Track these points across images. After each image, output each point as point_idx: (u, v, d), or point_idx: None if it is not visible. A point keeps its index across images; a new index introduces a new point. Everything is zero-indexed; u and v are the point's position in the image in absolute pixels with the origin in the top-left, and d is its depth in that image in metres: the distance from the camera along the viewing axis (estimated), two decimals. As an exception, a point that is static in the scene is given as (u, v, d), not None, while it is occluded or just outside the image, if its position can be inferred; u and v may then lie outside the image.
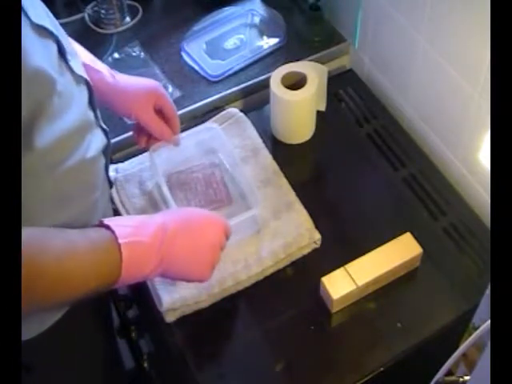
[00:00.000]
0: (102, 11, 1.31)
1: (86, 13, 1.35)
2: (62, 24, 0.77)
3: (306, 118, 1.15)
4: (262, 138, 1.14)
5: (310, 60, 1.23)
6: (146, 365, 1.32)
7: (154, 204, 1.06)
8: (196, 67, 1.25)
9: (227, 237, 0.87)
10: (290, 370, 0.91)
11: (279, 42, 1.29)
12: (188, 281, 0.86)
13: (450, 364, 0.72)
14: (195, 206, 1.05)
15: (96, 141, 0.80)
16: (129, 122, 1.14)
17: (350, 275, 0.94)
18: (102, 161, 0.84)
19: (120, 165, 1.10)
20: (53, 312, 0.83)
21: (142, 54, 1.28)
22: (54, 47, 0.71)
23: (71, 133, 0.73)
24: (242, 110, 1.18)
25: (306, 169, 1.18)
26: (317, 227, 1.02)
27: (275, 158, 1.11)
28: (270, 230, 1.02)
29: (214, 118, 1.17)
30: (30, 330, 0.81)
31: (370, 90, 1.26)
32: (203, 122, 1.14)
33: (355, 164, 1.14)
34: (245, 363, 0.93)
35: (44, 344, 0.83)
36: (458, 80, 0.99)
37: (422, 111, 1.15)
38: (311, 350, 0.93)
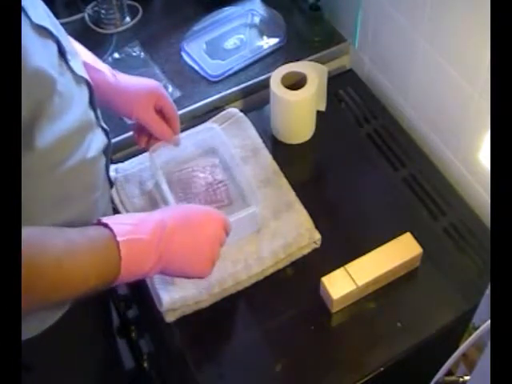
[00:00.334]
0: (102, 11, 1.31)
1: (86, 13, 1.35)
2: (61, 24, 0.77)
3: (305, 118, 1.15)
4: (262, 137, 1.14)
5: (310, 60, 1.23)
6: (145, 365, 1.32)
7: (154, 204, 1.06)
8: (196, 67, 1.25)
9: (227, 233, 0.87)
10: (290, 370, 0.91)
11: (279, 42, 1.29)
12: (188, 277, 0.86)
13: (450, 364, 0.72)
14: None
15: (97, 141, 0.80)
16: (129, 122, 1.14)
17: (350, 275, 0.94)
18: (103, 161, 0.84)
19: (120, 165, 1.10)
20: (53, 311, 0.83)
21: (142, 54, 1.28)
22: (54, 47, 0.71)
23: (72, 133, 0.73)
24: (242, 110, 1.18)
25: (306, 169, 1.18)
26: (317, 227, 1.02)
27: (275, 158, 1.11)
28: (270, 229, 1.02)
29: (214, 118, 1.17)
30: (30, 329, 0.81)
31: (370, 90, 1.26)
32: (203, 121, 1.14)
33: (355, 164, 1.14)
34: (245, 363, 0.93)
35: (44, 343, 0.83)
36: (458, 80, 0.99)
37: (421, 111, 1.15)
38: (311, 350, 0.93)
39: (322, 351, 0.92)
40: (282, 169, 1.10)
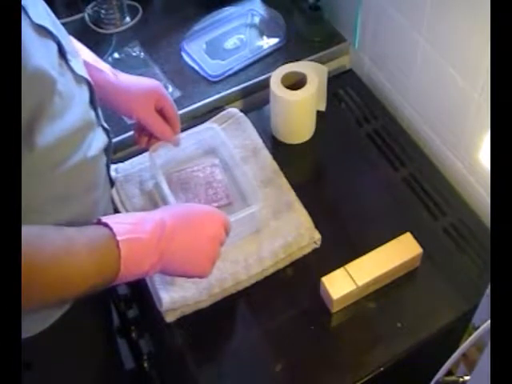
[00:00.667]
0: (102, 11, 1.31)
1: (86, 13, 1.35)
2: (61, 24, 0.77)
3: (305, 118, 1.15)
4: (262, 137, 1.14)
5: (310, 60, 1.23)
6: (146, 365, 1.32)
7: (153, 204, 1.06)
8: (196, 67, 1.25)
9: (227, 232, 0.86)
10: (290, 370, 0.91)
11: (279, 42, 1.29)
12: (188, 276, 0.85)
13: (450, 364, 0.72)
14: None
15: (97, 140, 0.80)
16: (129, 122, 1.14)
17: (350, 275, 0.94)
18: (104, 160, 0.84)
19: (120, 165, 1.10)
20: (53, 310, 0.83)
21: (142, 54, 1.28)
22: (55, 47, 0.71)
23: (72, 132, 0.73)
24: (242, 110, 1.18)
25: (306, 169, 1.18)
26: (317, 227, 1.02)
27: (275, 158, 1.11)
28: (270, 229, 1.02)
29: (213, 118, 1.17)
30: (31, 328, 0.81)
31: (370, 90, 1.26)
32: (203, 122, 1.14)
33: (355, 164, 1.14)
34: (245, 363, 0.93)
35: (44, 343, 0.83)
36: (458, 80, 0.99)
37: (421, 111, 1.15)
38: (311, 350, 0.92)
39: (322, 351, 0.92)
40: (282, 169, 1.10)
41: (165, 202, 1.03)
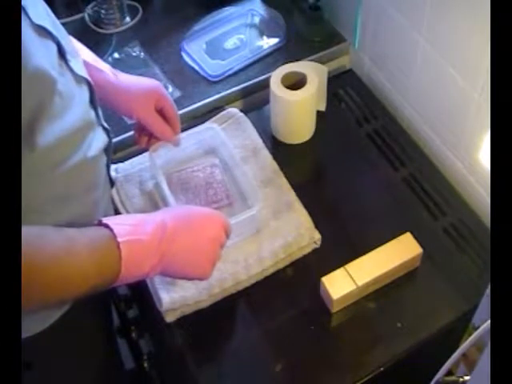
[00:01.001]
0: (102, 11, 1.31)
1: (86, 13, 1.35)
2: (61, 24, 0.77)
3: (305, 118, 1.15)
4: (262, 137, 1.14)
5: (310, 60, 1.23)
6: (146, 365, 1.32)
7: (154, 204, 1.06)
8: (196, 67, 1.25)
9: (227, 234, 0.87)
10: (290, 370, 0.91)
11: (279, 42, 1.29)
12: (189, 279, 0.86)
13: (450, 364, 0.72)
14: (195, 205, 1.05)
15: (97, 140, 0.80)
16: (129, 122, 1.14)
17: (350, 275, 0.94)
18: (104, 160, 0.84)
19: (120, 165, 1.10)
20: (53, 310, 0.83)
21: (142, 54, 1.28)
22: (54, 47, 0.71)
23: (72, 132, 0.73)
24: (242, 110, 1.18)
25: (306, 169, 1.18)
26: (317, 227, 1.02)
27: (275, 158, 1.11)
28: (270, 229, 1.02)
29: (213, 118, 1.17)
30: (31, 328, 0.81)
31: (370, 90, 1.26)
32: (203, 122, 1.14)
33: (355, 164, 1.14)
34: (245, 363, 0.93)
35: (44, 342, 0.83)
36: (458, 80, 0.99)
37: (421, 111, 1.15)
38: (311, 350, 0.92)
39: (322, 351, 0.92)
40: (282, 169, 1.10)
41: (165, 202, 1.03)
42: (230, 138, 1.12)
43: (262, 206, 1.01)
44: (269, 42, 1.29)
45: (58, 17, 0.77)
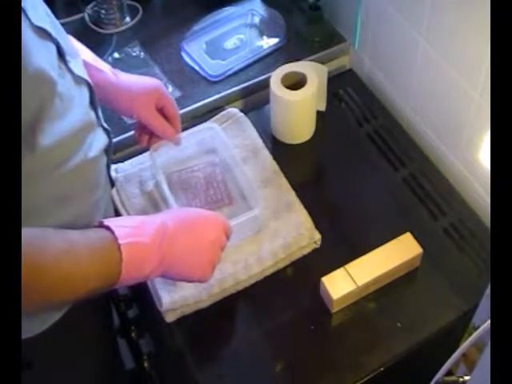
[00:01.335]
0: (102, 11, 1.31)
1: (86, 13, 1.35)
2: (61, 24, 0.77)
3: (306, 118, 1.15)
4: (262, 137, 1.14)
5: (310, 60, 1.23)
6: (146, 365, 1.32)
7: (154, 204, 1.06)
8: (196, 67, 1.25)
9: (228, 236, 0.87)
10: (290, 370, 0.91)
11: (279, 42, 1.29)
12: (189, 281, 0.86)
13: (450, 364, 0.72)
14: (196, 205, 1.05)
15: (98, 140, 0.80)
16: (129, 122, 1.14)
17: (350, 275, 0.94)
18: (104, 160, 0.84)
19: (120, 165, 1.10)
20: (53, 311, 0.83)
21: (142, 53, 1.28)
22: (54, 49, 0.71)
23: (73, 133, 0.73)
24: (242, 110, 1.18)
25: (306, 169, 1.18)
26: (317, 227, 1.02)
27: (275, 158, 1.11)
28: (270, 230, 1.02)
29: (214, 118, 1.17)
30: (31, 328, 0.81)
31: (370, 90, 1.26)
32: (203, 121, 1.14)
33: (355, 164, 1.14)
34: (245, 363, 0.93)
35: (45, 342, 0.83)
36: (458, 80, 0.99)
37: (421, 111, 1.15)
38: (311, 350, 0.93)
39: (322, 351, 0.92)
40: (282, 169, 1.10)
41: (165, 201, 1.03)
42: (230, 137, 1.12)
43: (261, 206, 1.01)
44: (269, 42, 1.29)
45: (58, 17, 0.77)
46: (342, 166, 1.14)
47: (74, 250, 0.69)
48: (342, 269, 0.94)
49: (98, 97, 0.82)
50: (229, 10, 1.35)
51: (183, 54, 1.27)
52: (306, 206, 1.04)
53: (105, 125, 0.84)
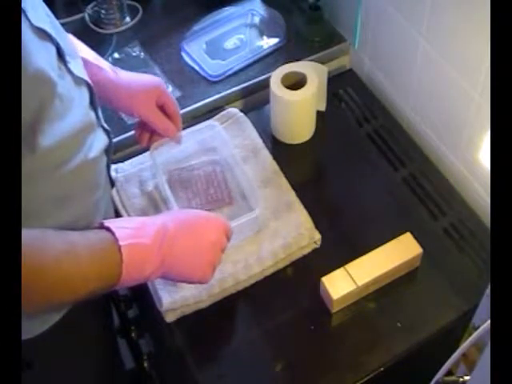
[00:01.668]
0: (102, 11, 1.31)
1: (86, 13, 1.35)
2: (61, 24, 0.77)
3: (306, 118, 1.15)
4: (262, 137, 1.14)
5: (310, 60, 1.23)
6: (146, 365, 1.32)
7: (154, 204, 1.06)
8: (196, 67, 1.25)
9: (228, 238, 0.87)
10: (290, 370, 0.91)
11: (279, 42, 1.29)
12: (189, 282, 0.86)
13: (450, 364, 0.72)
14: (196, 204, 1.05)
15: (98, 141, 0.80)
16: (129, 122, 1.14)
17: (350, 275, 0.94)
18: (104, 160, 0.84)
19: (120, 165, 1.10)
20: (53, 312, 0.83)
21: (142, 53, 1.28)
22: (54, 49, 0.71)
23: (73, 134, 0.73)
24: (242, 110, 1.18)
25: (306, 169, 1.18)
26: (317, 227, 1.02)
27: (275, 158, 1.11)
28: (270, 230, 1.02)
29: (214, 118, 1.17)
30: (31, 329, 0.81)
31: (370, 90, 1.26)
32: (203, 122, 1.14)
33: (355, 164, 1.14)
34: (245, 363, 0.93)
35: (45, 342, 0.83)
36: (458, 80, 0.99)
37: (421, 111, 1.15)
38: (311, 350, 0.93)
39: (322, 351, 0.92)
40: (282, 169, 1.10)
41: (165, 201, 1.03)
42: (230, 137, 1.12)
43: (261, 206, 1.00)
44: (269, 42, 1.29)
45: (58, 17, 0.77)
46: (342, 166, 1.14)
47: (74, 251, 0.69)
48: (342, 269, 0.94)
49: (98, 95, 0.82)
50: (229, 10, 1.35)
51: (183, 54, 1.27)
52: (306, 206, 1.04)
53: (105, 125, 0.84)
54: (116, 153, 1.12)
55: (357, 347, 0.93)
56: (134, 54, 1.28)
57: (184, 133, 1.05)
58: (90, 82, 0.80)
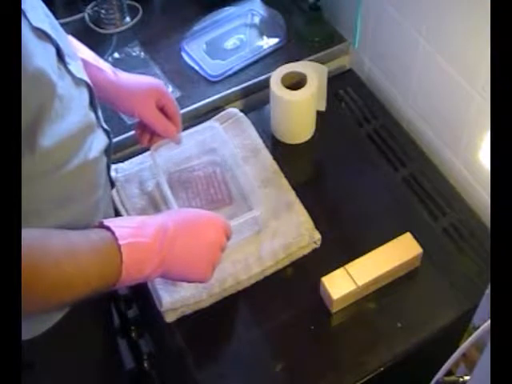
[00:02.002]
0: (102, 11, 1.31)
1: (86, 13, 1.35)
2: (61, 24, 0.77)
3: (306, 118, 1.15)
4: (261, 137, 1.14)
5: (310, 60, 1.23)
6: (146, 365, 1.32)
7: (154, 204, 1.06)
8: (196, 67, 1.25)
9: (228, 237, 0.87)
10: (290, 370, 0.91)
11: (279, 42, 1.29)
12: (189, 282, 0.86)
13: (450, 364, 0.72)
14: (196, 205, 1.05)
15: (98, 141, 0.80)
16: (129, 123, 1.14)
17: (350, 275, 0.94)
18: (104, 161, 0.84)
19: (120, 165, 1.10)
20: (53, 312, 0.83)
21: (142, 53, 1.28)
22: (53, 50, 0.71)
23: (73, 134, 0.73)
24: (242, 110, 1.18)
25: (306, 169, 1.18)
26: (317, 227, 1.02)
27: (275, 158, 1.11)
28: (270, 230, 1.02)
29: (214, 118, 1.17)
30: (32, 329, 0.81)
31: (370, 90, 1.26)
32: (203, 122, 1.14)
33: (355, 164, 1.14)
34: (245, 363, 0.93)
35: (45, 342, 0.83)
36: (458, 80, 0.99)
37: (421, 111, 1.15)
38: (311, 350, 0.92)
39: (322, 351, 0.92)
40: (282, 169, 1.10)
41: (165, 201, 1.03)
42: (230, 137, 1.12)
43: (261, 206, 1.00)
44: (269, 42, 1.29)
45: (58, 17, 0.77)
46: (342, 166, 1.14)
47: (74, 250, 0.69)
48: (341, 269, 0.94)
49: (98, 96, 0.82)
50: (229, 10, 1.35)
51: (183, 54, 1.27)
52: (306, 206, 1.04)
53: (105, 126, 0.84)
54: (116, 153, 1.12)
55: (357, 347, 0.93)
56: (134, 53, 1.28)
57: (184, 134, 1.06)
58: (89, 82, 0.80)
